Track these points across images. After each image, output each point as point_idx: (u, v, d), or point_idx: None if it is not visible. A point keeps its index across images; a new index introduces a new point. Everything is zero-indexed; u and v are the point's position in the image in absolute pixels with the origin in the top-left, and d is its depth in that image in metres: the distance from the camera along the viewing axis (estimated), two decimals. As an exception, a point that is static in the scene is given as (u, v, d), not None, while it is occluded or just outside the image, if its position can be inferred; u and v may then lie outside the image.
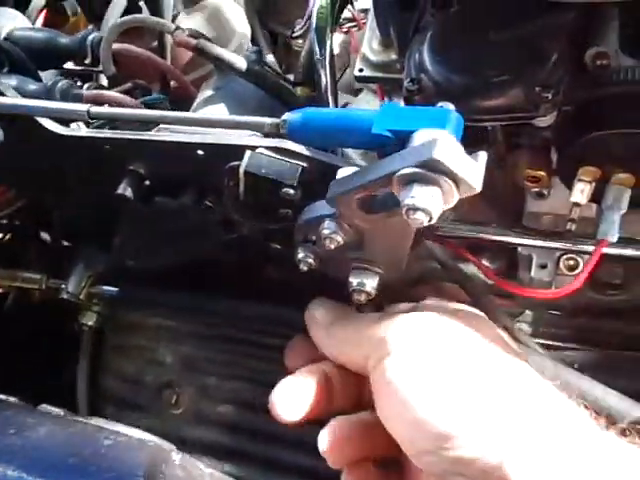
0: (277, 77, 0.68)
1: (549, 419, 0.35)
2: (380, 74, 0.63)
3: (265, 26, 0.83)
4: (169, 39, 0.71)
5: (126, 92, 0.67)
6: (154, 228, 0.59)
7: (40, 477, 0.40)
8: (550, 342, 0.59)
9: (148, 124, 0.54)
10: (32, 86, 0.62)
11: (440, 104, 0.39)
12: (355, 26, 0.85)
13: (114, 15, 0.72)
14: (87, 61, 0.70)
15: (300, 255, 0.46)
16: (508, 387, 0.36)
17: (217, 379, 0.70)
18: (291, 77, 0.71)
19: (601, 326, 0.61)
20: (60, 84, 0.61)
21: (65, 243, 0.69)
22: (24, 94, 0.58)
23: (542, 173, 0.53)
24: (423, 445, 0.36)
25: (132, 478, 0.40)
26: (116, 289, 0.68)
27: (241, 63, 0.65)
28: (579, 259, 0.58)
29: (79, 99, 0.62)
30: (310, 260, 0.45)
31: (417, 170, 0.34)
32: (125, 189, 0.52)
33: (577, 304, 0.61)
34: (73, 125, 0.56)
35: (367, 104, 0.71)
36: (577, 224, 0.52)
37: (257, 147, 0.47)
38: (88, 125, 0.57)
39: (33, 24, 0.78)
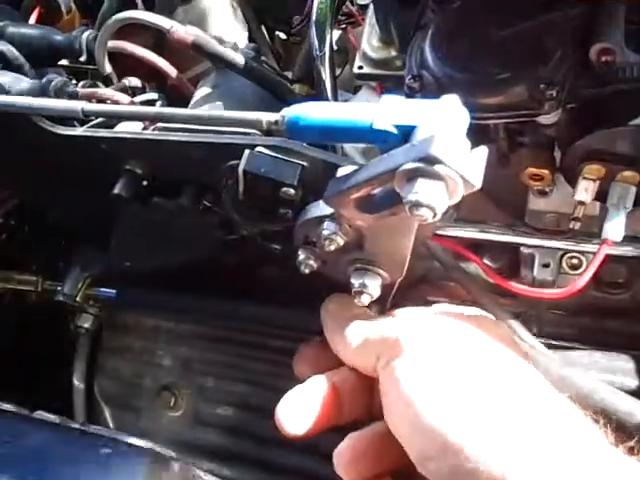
0: (275, 74, 0.67)
1: (555, 432, 0.34)
2: (380, 71, 0.62)
3: (262, 23, 0.83)
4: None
5: (121, 90, 0.66)
6: (151, 229, 0.58)
7: (36, 486, 0.39)
8: (553, 342, 0.58)
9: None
10: (26, 84, 0.61)
11: (445, 96, 0.38)
12: (353, 22, 0.84)
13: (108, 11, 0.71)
14: (82, 59, 0.69)
15: (301, 257, 0.45)
16: (516, 397, 0.36)
17: (216, 381, 0.70)
18: (288, 75, 0.70)
19: (605, 325, 0.61)
20: (54, 82, 0.60)
21: (61, 244, 0.68)
22: (18, 92, 0.57)
23: (545, 171, 0.52)
24: (427, 451, 0.35)
25: (131, 487, 0.40)
26: (113, 291, 0.68)
27: (239, 60, 0.64)
28: (582, 258, 0.58)
29: (74, 97, 0.61)
30: (311, 262, 0.45)
31: (421, 165, 0.33)
32: (122, 189, 0.52)
33: (580, 303, 0.61)
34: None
35: (366, 102, 0.70)
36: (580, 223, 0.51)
37: (256, 146, 0.46)
38: (84, 124, 0.56)
39: (26, 21, 0.77)
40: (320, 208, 0.43)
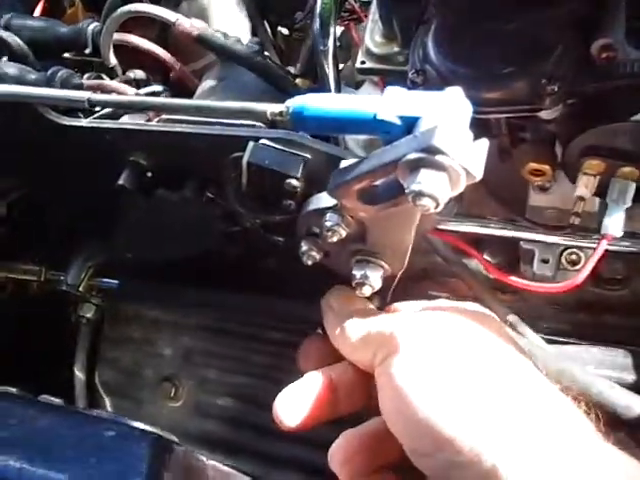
0: (279, 68, 0.67)
1: (548, 426, 0.35)
2: (382, 66, 0.63)
3: (265, 18, 0.83)
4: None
5: (126, 82, 0.66)
6: (155, 220, 0.58)
7: (42, 468, 0.40)
8: (552, 337, 0.59)
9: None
10: (32, 75, 0.61)
11: (449, 88, 0.39)
12: (356, 18, 0.85)
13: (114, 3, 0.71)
14: (87, 51, 0.69)
15: (304, 248, 0.45)
16: (510, 392, 0.36)
17: (217, 372, 0.70)
18: (291, 69, 0.70)
19: (603, 321, 0.61)
20: (60, 73, 0.61)
21: (65, 235, 0.68)
22: (24, 83, 0.58)
23: (546, 166, 0.52)
24: (421, 445, 0.36)
25: (134, 470, 0.40)
26: (116, 281, 0.68)
27: (244, 53, 0.64)
28: (581, 254, 0.58)
29: (79, 89, 0.61)
30: (314, 253, 0.45)
31: (424, 155, 0.33)
32: (126, 180, 0.52)
33: (579, 299, 0.61)
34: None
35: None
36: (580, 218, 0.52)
37: (260, 138, 0.47)
38: (88, 117, 0.56)
39: (31, 13, 0.77)
40: (323, 200, 0.43)
